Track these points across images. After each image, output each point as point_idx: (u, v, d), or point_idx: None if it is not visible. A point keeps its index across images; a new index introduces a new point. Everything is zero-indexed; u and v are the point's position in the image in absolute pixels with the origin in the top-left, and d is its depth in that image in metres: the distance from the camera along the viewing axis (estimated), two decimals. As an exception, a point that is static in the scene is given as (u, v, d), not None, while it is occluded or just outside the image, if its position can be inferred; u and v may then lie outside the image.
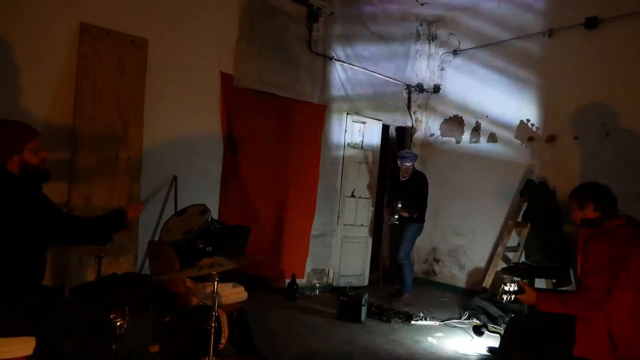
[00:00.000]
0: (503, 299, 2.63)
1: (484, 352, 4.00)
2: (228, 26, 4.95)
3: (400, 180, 5.68)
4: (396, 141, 6.98)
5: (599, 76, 5.06)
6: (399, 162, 5.64)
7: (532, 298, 2.60)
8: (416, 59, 6.96)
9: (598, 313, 2.45)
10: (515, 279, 2.79)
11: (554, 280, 4.86)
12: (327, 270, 5.94)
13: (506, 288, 2.62)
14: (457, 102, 6.61)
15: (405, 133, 7.00)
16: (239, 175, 5.10)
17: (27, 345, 2.12)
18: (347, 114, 6.05)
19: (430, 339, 4.30)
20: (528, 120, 5.71)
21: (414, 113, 7.02)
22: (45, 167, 2.35)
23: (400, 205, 5.32)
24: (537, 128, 5.63)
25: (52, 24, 3.81)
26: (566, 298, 2.56)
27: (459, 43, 6.61)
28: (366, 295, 4.75)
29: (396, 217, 5.39)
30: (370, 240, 6.35)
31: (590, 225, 2.64)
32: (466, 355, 3.95)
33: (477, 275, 6.04)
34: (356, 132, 6.18)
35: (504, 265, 5.46)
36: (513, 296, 2.63)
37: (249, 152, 5.13)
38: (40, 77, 3.77)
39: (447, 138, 6.73)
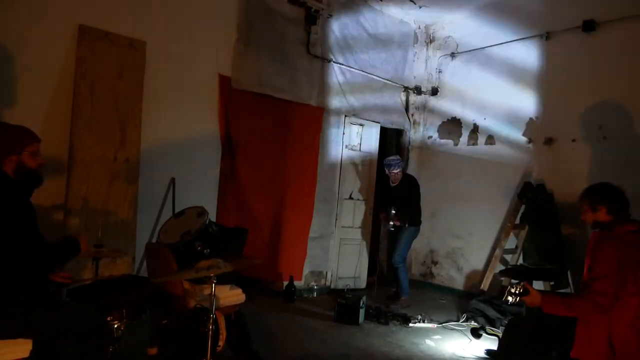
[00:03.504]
0: (508, 300, 2.61)
1: (482, 354, 4.00)
2: (226, 28, 4.96)
3: (390, 186, 5.60)
4: (394, 144, 6.98)
5: (597, 79, 5.08)
6: (386, 170, 5.55)
7: (537, 300, 2.57)
8: (414, 61, 6.98)
9: (603, 317, 2.44)
10: (513, 281, 2.79)
11: (552, 283, 4.87)
12: (324, 273, 5.94)
13: (512, 290, 2.61)
14: (455, 105, 6.62)
15: (403, 136, 7.01)
16: (237, 177, 5.10)
17: (23, 347, 2.12)
18: (345, 116, 6.06)
19: (428, 341, 4.30)
20: (526, 123, 5.73)
21: (412, 115, 7.03)
22: (40, 172, 2.37)
23: (393, 212, 5.29)
24: (534, 130, 5.64)
25: (51, 26, 3.80)
26: (572, 301, 2.53)
27: (457, 46, 6.62)
28: (364, 298, 4.74)
29: (391, 223, 5.36)
30: (368, 243, 6.35)
31: (602, 228, 2.62)
32: (464, 357, 3.95)
33: (475, 277, 6.04)
34: (354, 135, 6.18)
35: (502, 267, 5.47)
36: (518, 298, 2.61)
37: (247, 154, 5.13)
38: (39, 79, 3.77)
39: (445, 140, 6.74)
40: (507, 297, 2.63)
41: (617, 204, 2.62)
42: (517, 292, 2.59)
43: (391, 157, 5.70)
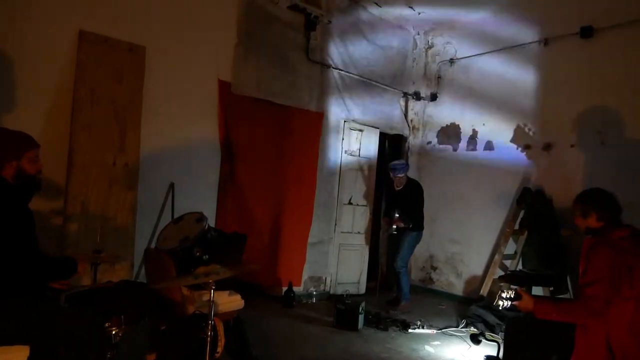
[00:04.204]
0: (499, 305, 2.62)
1: (482, 360, 3.99)
2: (226, 33, 4.97)
3: (394, 190, 5.65)
4: (393, 149, 6.99)
5: (594, 84, 5.10)
6: (391, 174, 5.61)
7: (530, 305, 2.58)
8: (413, 67, 7.00)
9: (596, 322, 2.43)
10: (513, 287, 2.79)
11: (551, 288, 4.86)
12: (324, 278, 5.92)
13: (503, 294, 2.61)
14: (454, 110, 6.64)
15: (402, 141, 7.02)
16: (236, 183, 5.09)
17: (20, 354, 2.10)
18: (345, 121, 6.06)
19: (427, 347, 4.28)
20: (524, 128, 5.74)
21: (411, 121, 7.04)
22: (39, 178, 2.37)
23: (397, 216, 5.33)
24: (533, 135, 5.66)
25: (51, 31, 3.81)
26: (564, 306, 2.53)
27: (456, 51, 6.65)
28: (363, 303, 4.73)
29: (394, 227, 5.40)
30: (367, 248, 6.34)
31: (594, 234, 2.62)
32: (464, 363, 3.94)
33: (475, 283, 6.04)
34: (353, 140, 6.19)
35: (502, 272, 5.46)
36: (510, 303, 2.61)
37: (246, 159, 5.13)
38: (39, 84, 3.78)
39: (444, 146, 6.75)
40: (498, 301, 2.63)
41: (608, 211, 2.62)
42: (508, 296, 2.60)
43: (396, 162, 5.78)
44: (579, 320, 2.49)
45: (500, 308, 2.63)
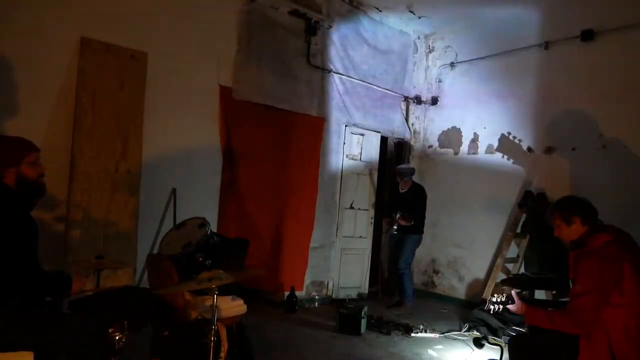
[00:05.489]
0: (490, 309, 2.64)
1: (485, 364, 3.98)
2: (227, 39, 4.99)
3: (399, 192, 5.75)
4: (394, 153, 7.00)
5: (595, 87, 5.10)
6: (397, 177, 5.75)
7: (521, 310, 2.61)
8: (414, 71, 7.01)
9: (583, 332, 2.44)
10: (515, 290, 2.80)
11: (554, 292, 4.85)
12: (326, 283, 5.92)
13: (493, 299, 2.63)
14: (455, 114, 6.65)
15: (403, 145, 7.03)
16: (238, 188, 5.10)
17: (24, 360, 2.11)
18: (346, 126, 6.08)
19: (430, 351, 4.27)
20: (526, 132, 5.74)
21: (412, 125, 7.05)
22: (42, 182, 2.36)
23: (398, 215, 5.40)
24: (534, 139, 5.66)
25: (53, 38, 3.83)
26: (554, 315, 2.53)
27: (456, 55, 6.66)
28: (365, 308, 4.73)
29: (395, 227, 5.46)
30: (369, 252, 6.34)
31: (578, 245, 2.61)
32: (467, 368, 3.93)
33: (477, 286, 6.03)
34: (355, 144, 6.20)
35: (504, 276, 5.45)
36: (500, 307, 2.63)
37: (247, 164, 5.14)
38: (41, 91, 3.79)
39: (445, 149, 6.75)
40: (488, 305, 2.65)
41: (590, 213, 2.63)
42: (497, 300, 2.62)
43: (403, 166, 5.98)
44: (567, 330, 2.49)
45: (491, 312, 2.66)
